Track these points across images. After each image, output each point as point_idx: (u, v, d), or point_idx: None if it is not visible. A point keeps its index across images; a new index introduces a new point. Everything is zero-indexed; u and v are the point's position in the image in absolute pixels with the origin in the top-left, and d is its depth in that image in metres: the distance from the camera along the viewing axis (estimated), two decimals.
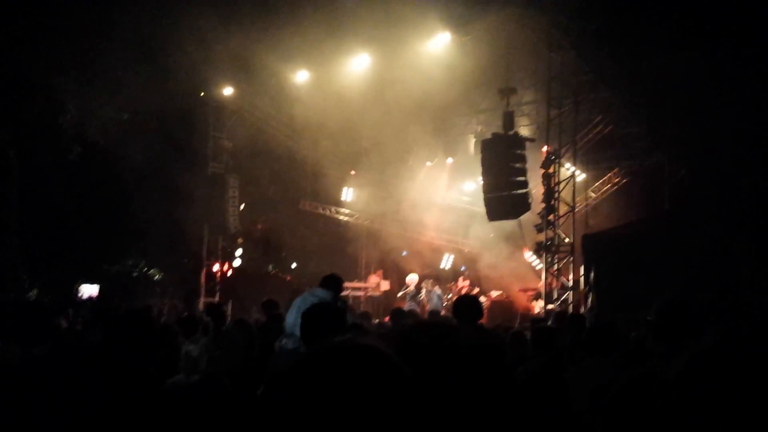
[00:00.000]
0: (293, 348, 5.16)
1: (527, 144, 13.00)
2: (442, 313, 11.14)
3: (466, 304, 5.31)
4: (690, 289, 8.00)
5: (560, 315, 10.45)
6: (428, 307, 14.60)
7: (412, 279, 15.46)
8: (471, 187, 18.13)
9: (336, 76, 14.64)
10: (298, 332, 5.34)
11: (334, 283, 5.85)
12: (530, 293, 14.88)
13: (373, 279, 17.73)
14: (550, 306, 12.76)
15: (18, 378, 3.01)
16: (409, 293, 15.15)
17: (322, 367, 1.13)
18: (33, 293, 15.43)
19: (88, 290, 14.75)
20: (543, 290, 14.14)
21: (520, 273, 16.01)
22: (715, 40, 11.37)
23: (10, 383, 2.96)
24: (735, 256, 10.03)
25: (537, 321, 8.60)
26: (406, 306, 13.96)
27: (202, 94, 16.55)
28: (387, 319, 10.71)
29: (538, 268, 13.90)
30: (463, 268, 18.70)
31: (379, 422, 1.08)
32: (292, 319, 5.38)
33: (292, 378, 1.13)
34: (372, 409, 1.08)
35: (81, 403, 2.76)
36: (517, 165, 12.63)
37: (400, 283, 16.85)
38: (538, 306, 14.18)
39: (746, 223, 10.35)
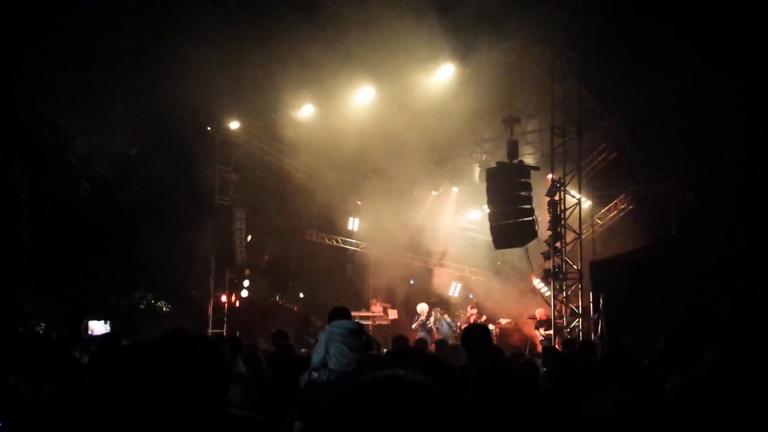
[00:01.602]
0: (328, 381, 5.18)
1: (532, 172, 13.06)
2: (451, 341, 11.07)
3: (475, 333, 5.31)
4: (700, 314, 7.95)
5: (568, 342, 10.38)
6: (438, 336, 14.52)
7: (422, 308, 15.40)
8: (477, 215, 18.17)
9: (341, 108, 14.81)
10: (333, 365, 5.35)
11: (347, 313, 5.89)
12: (535, 320, 14.84)
13: (374, 308, 17.68)
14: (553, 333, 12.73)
15: (32, 416, 3.02)
16: (420, 323, 15.09)
17: (373, 399, 1.17)
18: (41, 327, 15.43)
19: (96, 327, 14.73)
20: (540, 317, 14.14)
21: (527, 300, 15.94)
22: (718, 65, 11.47)
23: (24, 422, 2.97)
24: (744, 280, 9.97)
25: (549, 350, 8.54)
26: (418, 335, 13.87)
27: (209, 128, 16.76)
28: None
29: (546, 295, 13.86)
30: (470, 296, 18.63)
31: None
32: (321, 353, 5.39)
33: (345, 410, 1.18)
34: None
35: None
36: (523, 193, 12.67)
37: (408, 312, 16.78)
38: (540, 334, 14.11)
39: (755, 247, 10.31)
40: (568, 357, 5.63)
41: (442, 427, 1.16)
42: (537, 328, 14.42)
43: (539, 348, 13.17)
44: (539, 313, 14.35)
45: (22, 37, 13.87)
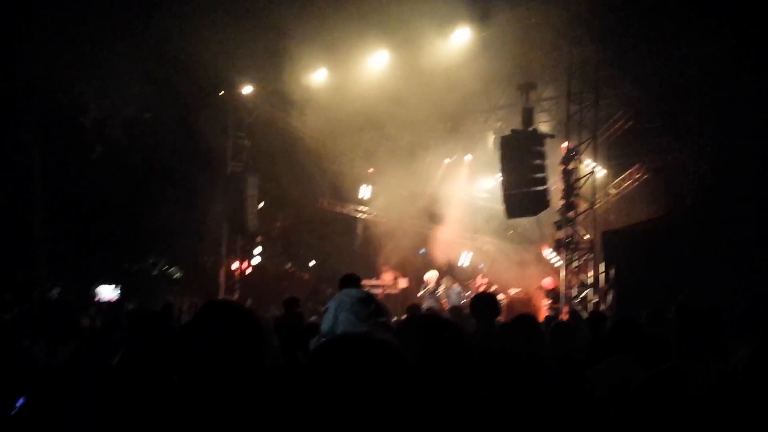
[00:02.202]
0: None
1: (547, 140, 12.90)
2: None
3: (484, 302, 5.29)
4: (713, 287, 7.88)
5: (574, 313, 10.36)
6: (446, 304, 14.55)
7: (431, 276, 15.37)
8: (490, 183, 18.03)
9: (355, 73, 14.66)
10: (340, 331, 5.40)
11: (358, 281, 5.90)
12: (543, 290, 14.80)
13: (385, 276, 17.70)
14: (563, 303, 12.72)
15: (45, 379, 3.05)
16: (429, 291, 15.07)
17: (334, 355, 1.33)
18: (55, 292, 15.65)
19: (106, 291, 14.92)
20: (547, 287, 14.11)
21: (539, 270, 15.90)
22: (739, 34, 11.18)
23: (37, 384, 3.00)
24: (759, 252, 9.86)
25: (551, 318, 8.55)
26: (426, 303, 13.89)
27: (222, 93, 16.67)
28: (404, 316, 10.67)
29: (557, 265, 13.80)
30: (481, 266, 18.61)
31: (381, 405, 1.25)
32: (330, 320, 5.43)
33: (313, 365, 1.33)
34: (374, 392, 1.25)
35: (104, 406, 2.78)
36: (537, 161, 12.54)
37: (418, 281, 16.81)
38: (544, 304, 14.10)
39: None
40: (566, 326, 5.61)
41: (400, 383, 1.28)
42: (546, 297, 14.41)
43: (541, 318, 13.17)
44: (546, 282, 14.31)
45: (36, 1, 13.79)
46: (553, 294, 13.81)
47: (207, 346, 1.98)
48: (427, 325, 2.20)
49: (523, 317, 4.25)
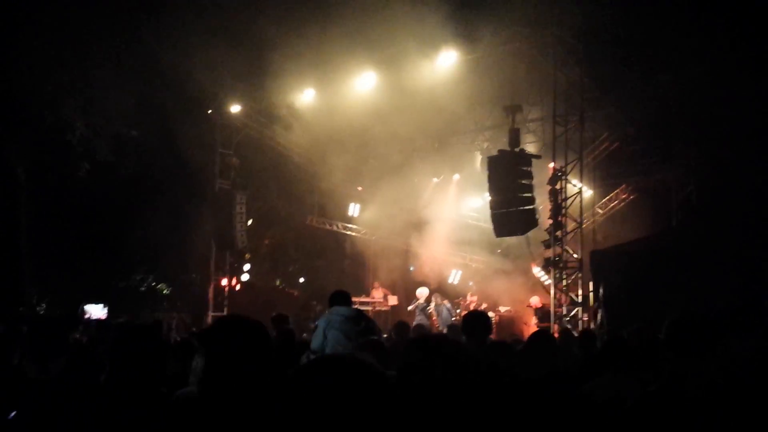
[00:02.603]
0: None
1: (534, 161, 13.04)
2: None
3: (476, 320, 5.30)
4: (699, 305, 7.97)
5: (565, 332, 10.39)
6: (437, 321, 14.55)
7: (422, 292, 15.30)
8: (478, 203, 18.13)
9: (343, 93, 14.76)
10: (329, 351, 5.37)
11: (348, 298, 5.89)
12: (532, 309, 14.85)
13: (375, 293, 17.68)
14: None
15: (35, 395, 3.03)
16: (419, 306, 15.03)
17: (313, 374, 1.36)
18: (42, 308, 15.48)
19: (95, 310, 14.75)
20: (536, 306, 14.18)
21: (528, 288, 15.97)
22: (722, 56, 11.42)
23: (28, 400, 2.98)
24: (744, 270, 9.98)
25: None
26: (417, 320, 13.86)
27: (210, 111, 16.70)
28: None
29: (546, 283, 13.87)
30: (470, 284, 18.65)
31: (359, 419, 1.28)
32: (319, 338, 5.42)
33: (294, 384, 1.36)
34: (351, 408, 1.29)
35: (94, 422, 2.77)
36: (524, 181, 12.67)
37: (408, 299, 16.80)
38: (533, 323, 14.16)
39: (754, 239, 10.31)
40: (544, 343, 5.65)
41: (378, 405, 1.31)
42: (534, 315, 14.46)
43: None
44: (534, 301, 14.38)
45: (21, 17, 13.77)
46: (541, 312, 13.85)
47: (221, 362, 1.98)
48: (432, 346, 2.20)
49: (539, 335, 4.28)
